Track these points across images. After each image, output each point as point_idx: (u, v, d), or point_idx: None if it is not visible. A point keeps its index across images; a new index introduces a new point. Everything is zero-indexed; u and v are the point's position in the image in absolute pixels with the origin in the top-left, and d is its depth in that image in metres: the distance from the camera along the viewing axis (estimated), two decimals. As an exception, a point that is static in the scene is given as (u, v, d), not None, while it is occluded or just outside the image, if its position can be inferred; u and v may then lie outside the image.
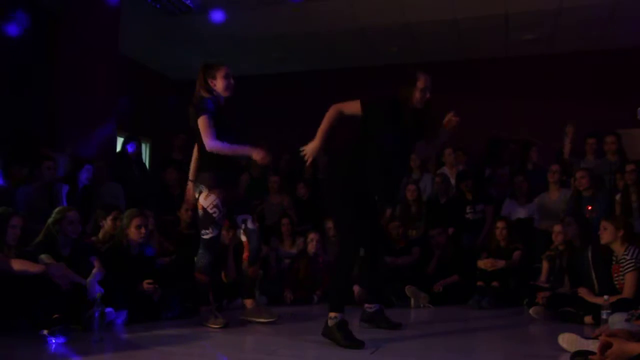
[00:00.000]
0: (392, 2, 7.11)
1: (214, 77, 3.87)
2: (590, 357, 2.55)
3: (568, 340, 3.09)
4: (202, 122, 3.77)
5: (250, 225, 4.07)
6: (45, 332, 3.20)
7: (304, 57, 8.91)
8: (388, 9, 7.25)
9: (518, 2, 6.98)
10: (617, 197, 5.55)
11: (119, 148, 7.11)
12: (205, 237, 3.89)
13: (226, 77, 3.88)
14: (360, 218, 3.51)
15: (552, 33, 7.80)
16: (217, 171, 3.84)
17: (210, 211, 3.83)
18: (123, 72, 7.16)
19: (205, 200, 3.84)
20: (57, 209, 4.11)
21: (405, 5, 7.16)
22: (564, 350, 3.05)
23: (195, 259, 3.97)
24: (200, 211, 3.89)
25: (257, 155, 3.80)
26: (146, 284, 4.18)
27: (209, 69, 3.89)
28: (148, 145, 9.51)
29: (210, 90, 3.87)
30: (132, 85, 8.29)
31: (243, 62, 8.63)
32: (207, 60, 3.98)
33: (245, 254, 4.18)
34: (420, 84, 3.58)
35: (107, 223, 4.80)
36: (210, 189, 3.83)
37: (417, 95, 3.58)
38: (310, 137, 3.72)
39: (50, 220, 4.03)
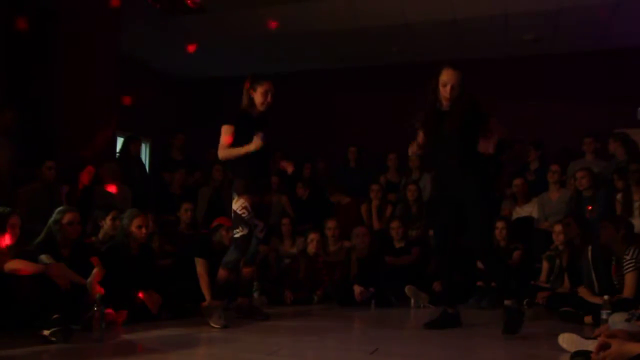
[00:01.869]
0: (392, 2, 7.11)
1: (255, 90, 4.14)
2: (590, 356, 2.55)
3: (568, 340, 3.09)
4: (222, 130, 4.06)
5: (257, 233, 4.23)
6: (45, 332, 3.20)
7: (304, 57, 8.91)
8: (388, 9, 7.24)
9: (518, 2, 6.97)
10: (618, 196, 5.55)
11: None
12: (236, 235, 4.09)
13: (265, 93, 4.13)
14: (438, 223, 3.99)
15: (552, 33, 7.80)
16: (247, 180, 4.08)
17: (240, 212, 4.06)
18: (123, 72, 7.15)
19: (236, 204, 4.09)
20: (57, 209, 4.11)
21: (405, 5, 7.15)
22: (564, 350, 3.05)
23: (226, 255, 4.16)
24: (232, 215, 4.12)
25: (254, 146, 4.00)
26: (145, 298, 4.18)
27: (255, 81, 4.15)
28: (148, 145, 9.50)
29: (250, 99, 4.15)
30: (132, 85, 8.29)
31: (243, 62, 8.62)
32: (255, 73, 4.23)
33: None
34: (441, 77, 3.71)
35: (107, 223, 4.81)
36: (240, 195, 4.06)
37: (441, 91, 3.69)
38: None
39: (50, 220, 4.03)
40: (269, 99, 4.15)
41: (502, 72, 8.59)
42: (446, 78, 3.68)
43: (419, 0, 7.03)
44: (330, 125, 8.88)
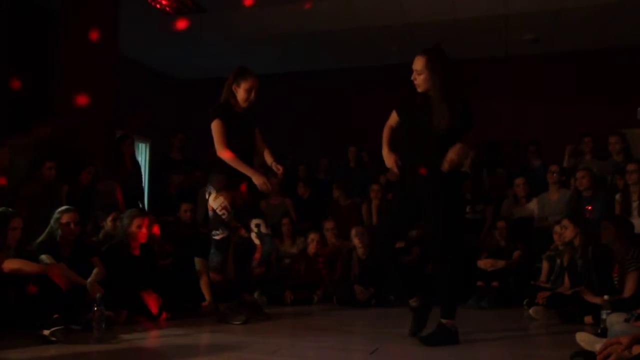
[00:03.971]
0: (392, 2, 7.11)
1: (238, 85, 4.00)
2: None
3: (585, 339, 3.12)
4: (213, 127, 3.92)
5: (263, 229, 4.18)
6: (45, 332, 3.20)
7: (304, 57, 8.91)
8: (388, 9, 7.25)
9: (518, 2, 6.98)
10: (617, 196, 5.56)
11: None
12: (215, 237, 4.02)
13: (248, 90, 3.98)
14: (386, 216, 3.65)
15: (552, 33, 7.80)
16: (226, 175, 3.94)
17: (220, 213, 3.95)
18: (123, 72, 7.15)
19: (214, 201, 3.96)
20: (58, 210, 4.10)
21: (405, 5, 7.16)
22: (564, 350, 3.05)
23: (208, 259, 4.13)
24: (210, 212, 4.01)
25: (257, 180, 3.90)
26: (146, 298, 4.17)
27: (239, 75, 4.02)
28: (148, 145, 9.49)
29: (233, 94, 4.02)
30: (132, 85, 8.28)
31: (243, 62, 8.59)
32: (244, 65, 4.11)
33: (257, 255, 4.25)
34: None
35: (107, 223, 4.81)
36: (218, 192, 3.94)
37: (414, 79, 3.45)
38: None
39: (52, 220, 4.03)
40: (252, 96, 3.97)
41: (502, 72, 8.60)
42: (413, 65, 3.38)
43: (418, 0, 7.03)
44: (330, 125, 8.88)
